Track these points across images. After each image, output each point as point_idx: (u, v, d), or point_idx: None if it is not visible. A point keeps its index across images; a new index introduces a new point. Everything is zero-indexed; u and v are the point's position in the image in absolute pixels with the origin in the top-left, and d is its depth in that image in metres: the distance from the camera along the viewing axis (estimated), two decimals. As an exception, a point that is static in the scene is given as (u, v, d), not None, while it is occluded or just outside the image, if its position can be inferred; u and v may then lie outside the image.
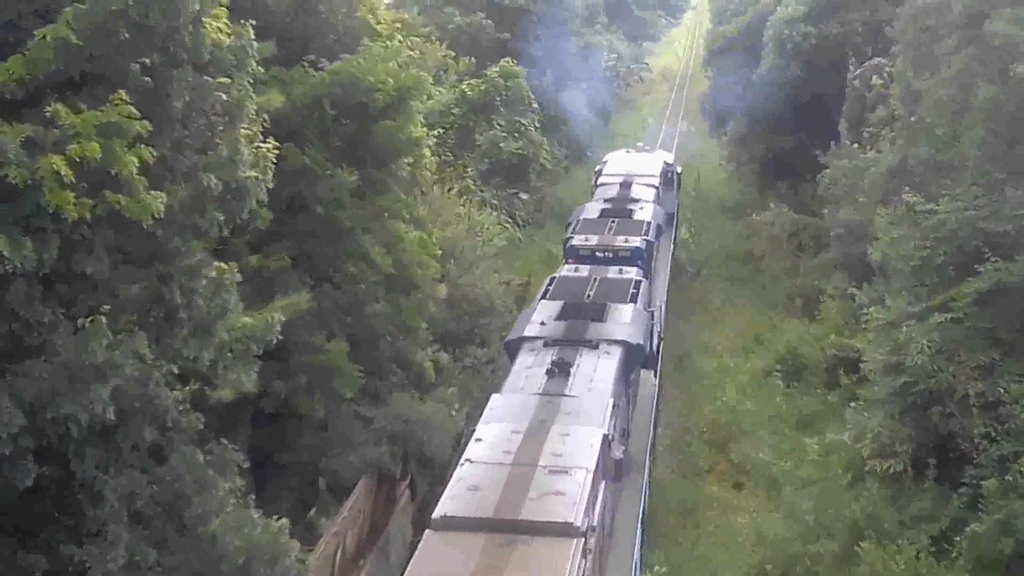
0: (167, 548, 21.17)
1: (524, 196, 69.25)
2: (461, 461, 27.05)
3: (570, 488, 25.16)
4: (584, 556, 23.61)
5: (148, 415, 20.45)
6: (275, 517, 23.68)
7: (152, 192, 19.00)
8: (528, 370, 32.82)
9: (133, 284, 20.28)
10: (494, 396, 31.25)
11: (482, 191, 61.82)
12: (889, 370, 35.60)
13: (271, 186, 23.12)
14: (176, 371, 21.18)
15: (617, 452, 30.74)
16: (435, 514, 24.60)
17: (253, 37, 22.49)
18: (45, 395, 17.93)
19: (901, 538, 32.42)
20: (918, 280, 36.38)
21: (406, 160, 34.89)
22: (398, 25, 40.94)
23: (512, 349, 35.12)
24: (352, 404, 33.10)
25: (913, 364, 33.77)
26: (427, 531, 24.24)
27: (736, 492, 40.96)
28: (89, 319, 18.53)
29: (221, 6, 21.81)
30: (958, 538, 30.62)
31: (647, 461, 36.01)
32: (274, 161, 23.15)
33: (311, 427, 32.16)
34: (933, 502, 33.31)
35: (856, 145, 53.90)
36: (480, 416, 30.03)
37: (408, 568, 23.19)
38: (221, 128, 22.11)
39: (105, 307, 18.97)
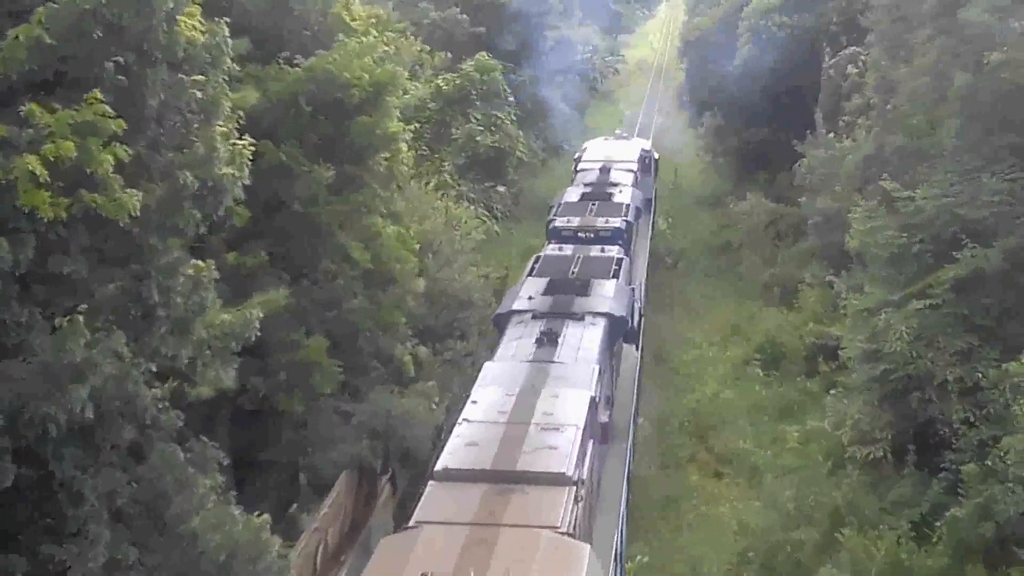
0: (148, 547, 21.13)
1: (501, 189, 69.32)
2: (459, 421, 28.48)
3: (561, 443, 26.81)
4: (576, 503, 25.10)
5: (127, 414, 20.41)
6: (256, 514, 23.64)
7: (128, 191, 18.97)
8: (518, 340, 34.69)
9: (110, 283, 20.24)
10: (487, 364, 33.03)
11: (459, 185, 61.80)
12: (868, 357, 35.72)
13: (248, 183, 23.04)
14: (154, 369, 21.12)
15: (603, 416, 32.46)
16: (437, 467, 26.13)
17: (228, 34, 22.45)
18: (23, 396, 17.89)
19: (882, 524, 32.60)
20: (895, 268, 36.49)
21: (383, 155, 34.85)
22: (372, 21, 40.89)
23: (501, 322, 37.01)
24: (332, 400, 33.07)
25: (892, 351, 33.88)
26: (430, 482, 25.74)
27: (717, 481, 41.04)
28: (66, 319, 18.48)
29: (195, 4, 21.76)
30: (938, 523, 30.82)
31: (631, 426, 37.38)
32: (250, 158, 23.10)
33: (291, 423, 32.11)
34: (913, 488, 33.46)
35: (832, 134, 54.02)
36: (474, 383, 31.57)
37: (414, 515, 24.45)
38: (197, 126, 22.08)
39: (82, 306, 18.92)
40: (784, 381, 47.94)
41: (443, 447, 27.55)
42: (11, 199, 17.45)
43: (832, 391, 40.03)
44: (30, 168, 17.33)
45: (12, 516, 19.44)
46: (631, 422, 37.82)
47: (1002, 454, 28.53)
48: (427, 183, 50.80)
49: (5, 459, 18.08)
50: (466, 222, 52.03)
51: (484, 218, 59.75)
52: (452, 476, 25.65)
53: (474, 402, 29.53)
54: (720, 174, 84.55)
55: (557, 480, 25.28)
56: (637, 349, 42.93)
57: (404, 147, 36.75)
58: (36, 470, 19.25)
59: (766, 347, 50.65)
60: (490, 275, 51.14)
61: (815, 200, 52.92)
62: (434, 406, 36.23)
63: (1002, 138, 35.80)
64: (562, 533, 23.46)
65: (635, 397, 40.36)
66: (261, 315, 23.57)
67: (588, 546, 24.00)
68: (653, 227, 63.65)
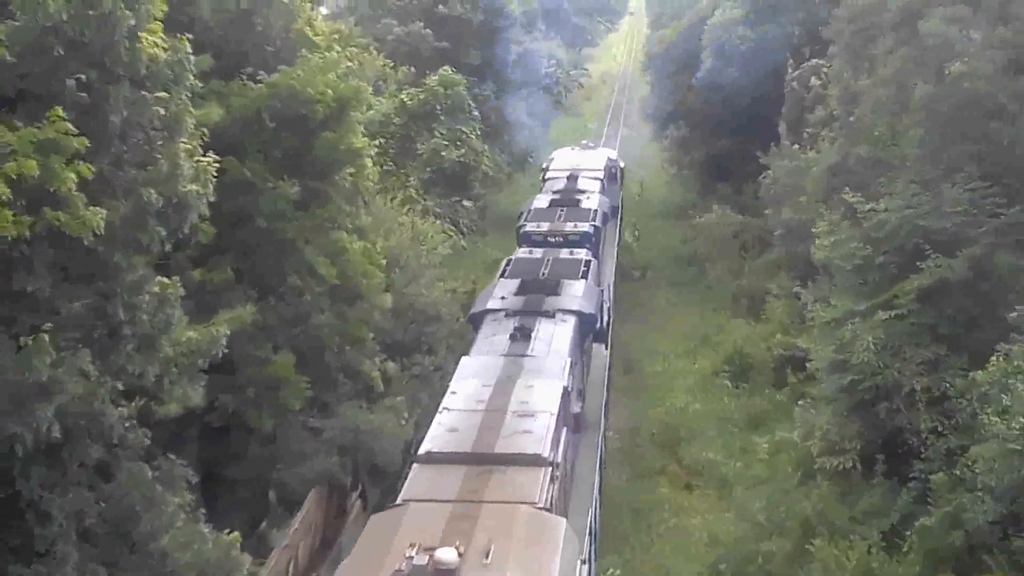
0: (117, 566, 21.06)
1: (467, 204, 69.15)
2: (439, 410, 30.10)
3: (537, 428, 28.57)
4: (552, 482, 26.92)
5: (94, 433, 20.34)
6: (226, 531, 23.64)
7: (92, 208, 18.91)
8: (493, 337, 36.20)
9: (75, 301, 20.15)
10: (464, 359, 34.50)
11: (425, 200, 61.59)
12: (835, 368, 35.77)
13: (212, 200, 23.04)
14: (121, 387, 21.06)
15: (575, 407, 33.89)
16: (420, 451, 27.94)
17: (190, 51, 22.41)
18: (-12, 415, 17.79)
19: (852, 534, 32.59)
20: (861, 279, 36.58)
21: (347, 171, 34.76)
22: (335, 36, 40.87)
23: (476, 321, 38.64)
24: (300, 416, 32.99)
25: (859, 361, 33.90)
26: (414, 464, 27.44)
27: (688, 493, 40.97)
28: (32, 337, 18.40)
29: (157, 20, 21.69)
30: (908, 532, 30.85)
31: (602, 418, 39.22)
32: (215, 175, 23.08)
33: (260, 440, 32.00)
34: (883, 497, 33.51)
35: (796, 146, 54.15)
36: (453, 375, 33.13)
37: (400, 494, 26.06)
38: (160, 143, 22.04)
39: (47, 325, 18.83)
40: (753, 392, 47.98)
41: (425, 433, 28.98)
42: (-27, 218, 17.36)
43: (800, 402, 40.07)
44: (-8, 186, 17.25)
45: (-22, 537, 19.33)
46: (601, 414, 39.34)
47: (970, 463, 28.58)
48: (393, 198, 50.66)
49: (-30, 480, 17.97)
50: (432, 237, 51.95)
51: (450, 232, 59.60)
52: (435, 459, 27.26)
53: (453, 393, 31.01)
54: (685, 186, 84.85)
55: (533, 461, 26.92)
56: (606, 348, 44.25)
57: (369, 162, 36.66)
58: (3, 489, 19.13)
59: (734, 358, 50.70)
60: (457, 289, 51.08)
61: (780, 211, 53.01)
62: (403, 421, 36.16)
63: (963, 147, 35.96)
64: (539, 508, 25.10)
65: (605, 391, 41.80)
66: (228, 332, 23.55)
67: (564, 520, 25.66)
68: (620, 237, 64.36)
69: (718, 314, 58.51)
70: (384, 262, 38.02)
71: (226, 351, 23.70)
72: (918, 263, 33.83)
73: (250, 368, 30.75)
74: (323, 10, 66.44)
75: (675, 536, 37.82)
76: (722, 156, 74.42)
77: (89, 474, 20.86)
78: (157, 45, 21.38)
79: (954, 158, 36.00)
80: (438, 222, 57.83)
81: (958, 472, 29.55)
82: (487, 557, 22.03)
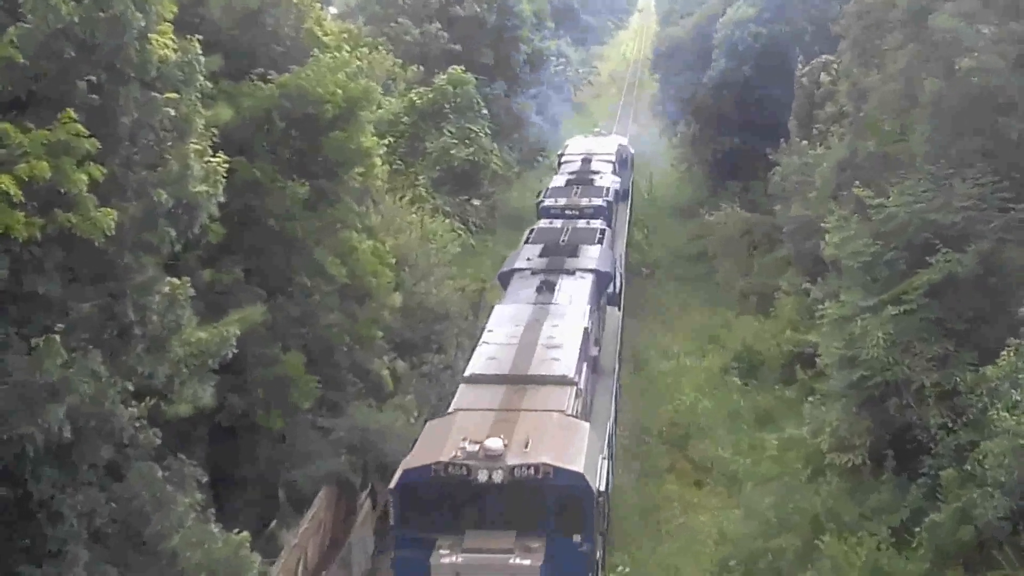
0: (127, 566, 21.11)
1: (476, 202, 69.30)
2: (479, 343, 35.26)
3: (564, 356, 33.50)
4: (577, 398, 31.79)
5: (104, 433, 20.38)
6: (235, 531, 23.66)
7: (103, 209, 18.97)
8: (521, 291, 40.99)
9: (86, 302, 20.21)
10: (497, 306, 39.69)
11: (434, 198, 61.70)
12: (845, 364, 35.69)
13: (222, 200, 23.11)
14: (131, 388, 21.09)
15: (593, 350, 38.55)
16: (466, 373, 33.22)
17: (200, 52, 22.47)
18: (-1, 415, 17.85)
19: (862, 530, 32.48)
20: (870, 275, 36.50)
21: (357, 170, 34.81)
22: (344, 36, 40.91)
23: (505, 279, 43.60)
24: (310, 415, 33.08)
25: (868, 357, 33.78)
26: (461, 385, 32.67)
27: (697, 490, 40.92)
28: (42, 338, 18.45)
29: (167, 22, 21.76)
30: (918, 528, 30.77)
31: (616, 365, 43.45)
32: (224, 175, 23.13)
33: (269, 439, 32.06)
34: (892, 493, 33.45)
35: (805, 142, 54.16)
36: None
37: (450, 407, 31.21)
38: (170, 144, 22.08)
39: (58, 326, 18.90)
40: (762, 389, 47.94)
41: (468, 361, 34.27)
42: (-16, 220, 17.42)
43: (810, 398, 40.01)
44: (3, 188, 17.31)
45: (-10, 537, 19.39)
46: (615, 363, 43.48)
47: (980, 458, 28.51)
48: (402, 197, 50.65)
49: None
50: (441, 235, 52.08)
51: (459, 231, 59.69)
52: (478, 379, 32.39)
53: (490, 330, 35.99)
54: (695, 183, 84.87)
55: (562, 381, 32.01)
56: (619, 310, 48.48)
57: (378, 161, 36.75)
58: (13, 490, 19.20)
59: (743, 355, 50.73)
60: (466, 288, 51.12)
61: (789, 208, 52.99)
62: (412, 420, 36.25)
63: (972, 142, 35.89)
64: (568, 415, 30.17)
65: (619, 344, 45.92)
66: (238, 332, 23.60)
67: (588, 423, 31.07)
68: (631, 217, 67.39)
69: (727, 311, 58.55)
70: (393, 261, 38.24)
71: (236, 351, 23.76)
72: (927, 258, 33.78)
73: (260, 368, 30.84)
74: (332, 10, 66.51)
75: (684, 534, 37.75)
76: (731, 153, 74.60)
77: (100, 474, 20.92)
78: (167, 46, 21.45)
79: (963, 153, 35.90)
80: (447, 220, 57.96)
81: (968, 468, 29.47)
82: (526, 446, 27.08)
